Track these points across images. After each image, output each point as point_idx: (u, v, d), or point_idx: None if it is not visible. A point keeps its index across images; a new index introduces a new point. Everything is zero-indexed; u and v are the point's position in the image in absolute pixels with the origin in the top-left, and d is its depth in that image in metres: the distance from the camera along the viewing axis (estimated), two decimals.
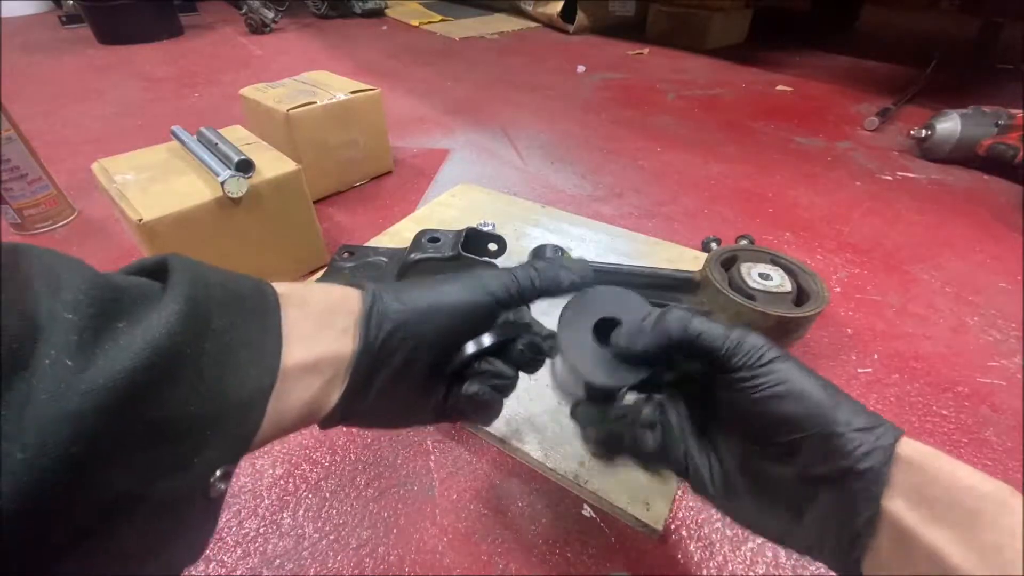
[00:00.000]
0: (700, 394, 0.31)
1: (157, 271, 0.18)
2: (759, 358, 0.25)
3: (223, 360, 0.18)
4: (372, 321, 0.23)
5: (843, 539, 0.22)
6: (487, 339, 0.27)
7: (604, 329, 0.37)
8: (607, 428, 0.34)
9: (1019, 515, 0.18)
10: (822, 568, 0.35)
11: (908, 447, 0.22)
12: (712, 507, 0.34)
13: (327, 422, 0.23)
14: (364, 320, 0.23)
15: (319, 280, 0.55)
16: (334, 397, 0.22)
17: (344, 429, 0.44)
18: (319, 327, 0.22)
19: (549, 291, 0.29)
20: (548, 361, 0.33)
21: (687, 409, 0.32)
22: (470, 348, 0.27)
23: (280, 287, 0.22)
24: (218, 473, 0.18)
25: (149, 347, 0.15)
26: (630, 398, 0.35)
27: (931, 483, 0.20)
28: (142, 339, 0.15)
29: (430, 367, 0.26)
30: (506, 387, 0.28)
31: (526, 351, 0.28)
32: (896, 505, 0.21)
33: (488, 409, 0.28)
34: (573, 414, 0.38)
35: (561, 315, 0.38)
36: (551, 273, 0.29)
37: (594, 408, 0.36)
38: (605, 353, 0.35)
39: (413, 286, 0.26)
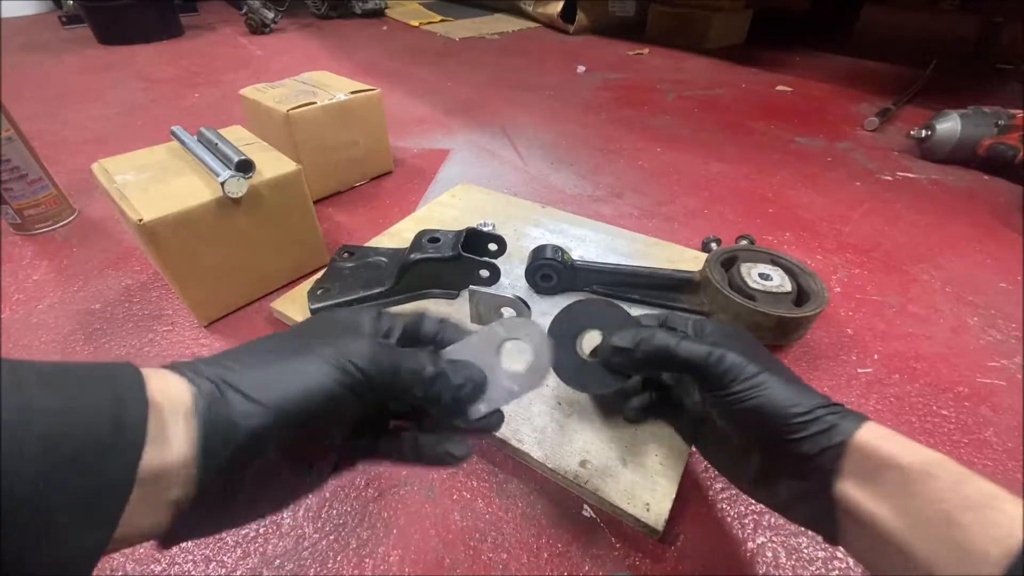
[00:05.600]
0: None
1: None
2: (738, 375, 0.27)
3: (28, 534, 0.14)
4: (216, 436, 0.18)
5: (809, 518, 0.26)
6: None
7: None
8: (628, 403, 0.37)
9: (942, 481, 0.21)
10: (822, 569, 0.35)
11: (866, 431, 0.24)
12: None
13: (168, 542, 0.19)
14: (202, 435, 0.18)
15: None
16: (166, 519, 0.18)
17: None
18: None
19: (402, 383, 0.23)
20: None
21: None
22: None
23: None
24: None
25: None
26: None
27: (877, 464, 0.23)
28: None
29: (293, 463, 0.22)
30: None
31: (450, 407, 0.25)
32: (846, 487, 0.24)
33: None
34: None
35: (548, 330, 0.38)
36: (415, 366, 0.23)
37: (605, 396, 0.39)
38: (591, 363, 0.36)
39: (261, 363, 0.21)
